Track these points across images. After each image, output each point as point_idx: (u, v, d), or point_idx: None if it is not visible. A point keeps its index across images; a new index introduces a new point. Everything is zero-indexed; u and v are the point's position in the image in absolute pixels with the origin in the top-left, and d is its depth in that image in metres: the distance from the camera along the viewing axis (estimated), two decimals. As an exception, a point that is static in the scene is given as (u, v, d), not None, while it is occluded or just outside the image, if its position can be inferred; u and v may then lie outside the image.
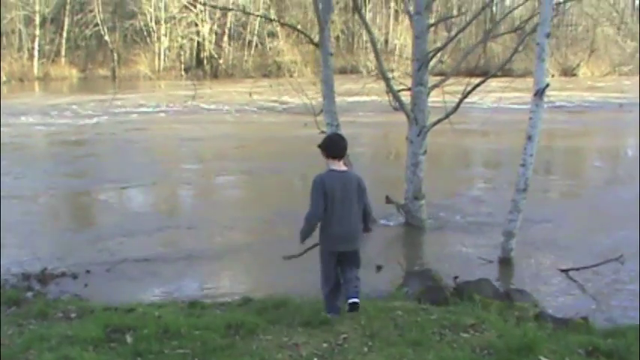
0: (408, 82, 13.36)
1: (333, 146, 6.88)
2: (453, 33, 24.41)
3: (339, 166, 6.80)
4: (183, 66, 57.58)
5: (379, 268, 10.31)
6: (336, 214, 6.62)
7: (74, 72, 56.53)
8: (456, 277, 9.05)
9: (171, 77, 55.11)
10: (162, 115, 32.13)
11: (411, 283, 9.10)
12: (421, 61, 12.57)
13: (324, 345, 6.10)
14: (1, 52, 51.01)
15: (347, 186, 6.70)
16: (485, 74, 13.98)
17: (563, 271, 10.21)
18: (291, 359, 5.74)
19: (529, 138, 10.59)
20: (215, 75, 57.00)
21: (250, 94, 18.51)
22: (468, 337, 6.30)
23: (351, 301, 6.63)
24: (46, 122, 29.40)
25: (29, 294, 8.91)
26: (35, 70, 54.51)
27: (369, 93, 15.43)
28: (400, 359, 5.62)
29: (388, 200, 12.97)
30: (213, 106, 33.53)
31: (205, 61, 59.16)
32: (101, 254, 11.08)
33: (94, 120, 30.03)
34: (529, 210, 11.07)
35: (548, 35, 10.47)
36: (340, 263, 6.90)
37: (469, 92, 12.65)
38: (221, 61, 58.29)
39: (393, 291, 8.92)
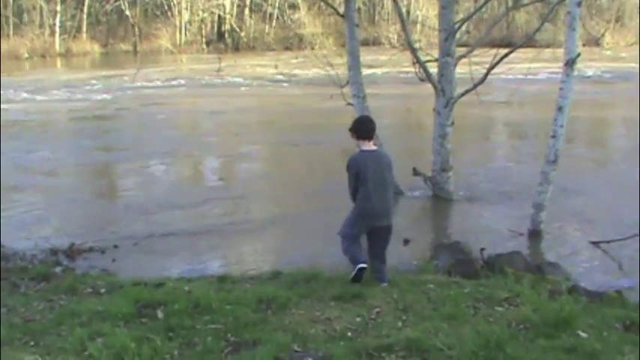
0: (433, 54, 13.19)
1: (363, 128, 7.27)
2: (479, 3, 24.03)
3: (370, 146, 7.22)
4: (204, 40, 57.43)
5: (407, 241, 10.19)
6: (370, 192, 7.01)
7: (96, 47, 56.50)
8: (482, 249, 8.91)
9: (193, 51, 55.01)
10: (185, 89, 32.02)
11: (440, 256, 9.02)
12: (448, 32, 12.38)
13: (358, 319, 6.03)
14: (23, 29, 51.06)
15: (379, 164, 7.14)
16: (510, 45, 13.75)
17: (593, 243, 10.06)
18: (325, 334, 5.65)
19: (559, 109, 10.42)
20: (237, 48, 56.81)
21: (276, 66, 18.32)
22: (502, 311, 6.20)
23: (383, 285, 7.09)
24: (69, 98, 29.40)
25: (58, 269, 8.89)
26: (57, 47, 54.51)
27: (394, 65, 15.24)
28: (436, 334, 5.52)
29: (415, 172, 12.85)
30: (236, 79, 33.42)
31: (227, 35, 58.97)
32: (129, 228, 11.07)
33: (117, 94, 30.00)
34: (558, 181, 10.89)
35: (579, 4, 10.29)
36: (371, 238, 7.33)
37: (497, 63, 12.44)
38: (242, 34, 58.06)
39: (422, 264, 8.81)
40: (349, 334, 5.67)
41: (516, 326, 5.72)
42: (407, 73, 15.35)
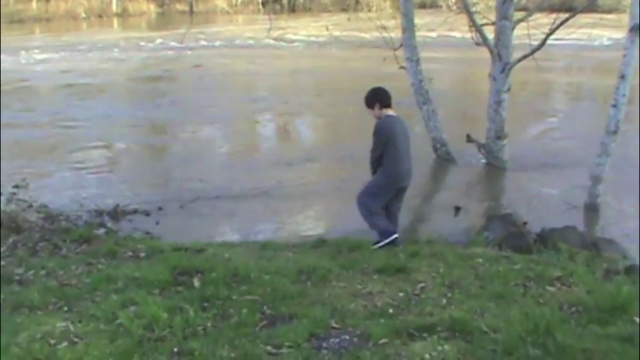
0: (490, 17, 12.73)
1: (386, 96, 7.66)
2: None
3: (392, 112, 7.65)
4: (260, 0, 57.04)
5: (457, 209, 9.90)
6: (400, 154, 7.50)
7: (152, 7, 56.54)
8: (525, 223, 8.62)
9: (249, 12, 54.73)
10: (240, 49, 31.82)
11: (491, 228, 8.69)
12: (506, -6, 11.89)
13: (400, 294, 5.78)
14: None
15: (404, 128, 7.68)
16: (570, 10, 13.17)
17: (655, 219, 9.59)
18: (365, 310, 5.40)
19: (622, 77, 9.90)
20: (293, 9, 56.31)
21: (327, 28, 17.97)
22: (554, 292, 5.87)
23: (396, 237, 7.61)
24: (124, 58, 29.42)
25: (101, 231, 8.82)
26: (114, 7, 54.71)
27: (451, 28, 14.78)
28: (482, 314, 5.23)
29: (469, 139, 12.46)
30: (291, 41, 33.09)
31: (283, -5, 58.50)
32: (175, 191, 10.92)
33: (172, 54, 29.98)
34: (618, 152, 10.40)
35: (646, -34, 9.71)
36: (391, 199, 7.82)
37: (557, 27, 11.89)
38: (298, -5, 57.53)
39: (472, 235, 8.50)
40: (390, 310, 5.42)
41: (568, 309, 5.38)
42: (462, 37, 14.84)
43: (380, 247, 7.39)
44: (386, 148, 7.43)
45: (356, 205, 7.77)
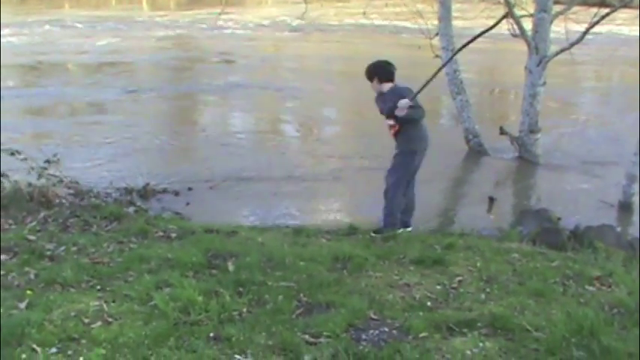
0: (530, 9, 12.53)
1: (393, 69, 7.54)
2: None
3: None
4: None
5: (492, 200, 9.79)
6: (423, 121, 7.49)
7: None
8: (559, 219, 8.56)
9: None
10: (269, 32, 31.67)
11: (525, 222, 8.60)
12: (546, -14, 11.70)
13: (438, 287, 5.68)
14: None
15: None
16: (605, 4, 12.92)
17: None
18: (403, 302, 5.31)
19: (662, 74, 9.73)
20: (323, -7, 55.96)
21: (364, 13, 17.77)
22: (594, 291, 5.76)
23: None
24: (151, 36, 29.36)
25: (131, 209, 8.75)
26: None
27: (487, 17, 14.57)
28: (522, 311, 5.13)
29: (502, 131, 12.31)
30: (321, 25, 32.84)
31: (313, -21, 58.15)
32: (206, 171, 10.84)
33: (199, 34, 29.89)
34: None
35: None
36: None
37: (597, 22, 11.69)
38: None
39: (506, 229, 8.39)
40: (429, 303, 5.33)
41: (610, 310, 5.26)
42: (498, 28, 14.60)
43: (377, 234, 7.43)
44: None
45: (386, 183, 7.64)
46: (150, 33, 30.02)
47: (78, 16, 34.88)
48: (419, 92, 7.19)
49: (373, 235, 7.44)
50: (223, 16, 28.85)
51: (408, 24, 14.29)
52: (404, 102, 7.05)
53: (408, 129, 7.37)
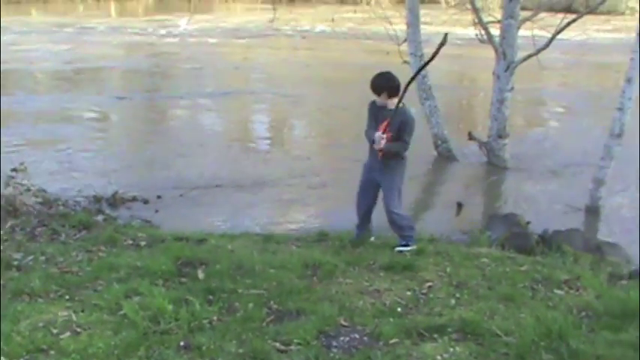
0: (497, 15, 12.65)
1: (399, 84, 6.87)
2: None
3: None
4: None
5: (460, 205, 9.89)
6: None
7: (150, -8, 56.25)
8: (528, 223, 8.61)
9: (247, 0, 54.40)
10: (237, 39, 31.59)
11: (494, 227, 8.65)
12: (513, -8, 11.81)
13: (408, 293, 5.72)
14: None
15: None
16: (568, 10, 13.09)
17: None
18: (374, 308, 5.33)
19: (628, 80, 9.84)
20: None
21: (332, 20, 17.85)
22: (562, 295, 5.84)
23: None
24: (120, 43, 29.16)
25: (99, 217, 8.70)
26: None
27: (453, 24, 14.66)
28: (491, 316, 5.17)
29: (470, 137, 12.41)
30: (290, 31, 32.81)
31: (282, -15, 58.19)
32: (174, 180, 10.76)
33: (169, 41, 29.73)
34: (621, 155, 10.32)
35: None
36: None
37: (563, 28, 11.83)
38: (298, -14, 57.23)
39: (475, 234, 8.43)
40: (399, 309, 5.36)
41: (578, 314, 5.34)
42: (466, 33, 14.72)
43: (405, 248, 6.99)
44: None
45: (390, 215, 7.01)
46: (117, 39, 29.82)
47: (42, 23, 34.58)
48: (397, 107, 6.71)
49: (399, 249, 7.00)
50: (192, 23, 28.80)
51: (376, 29, 14.30)
52: (377, 136, 6.72)
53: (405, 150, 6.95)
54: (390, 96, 6.82)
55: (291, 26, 33.44)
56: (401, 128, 6.74)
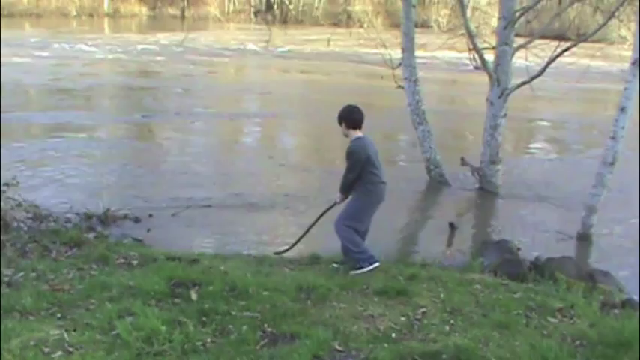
0: (492, 42, 12.70)
1: (360, 118, 7.31)
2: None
3: (361, 133, 7.31)
4: (252, 9, 56.97)
5: (453, 227, 10.02)
6: (380, 173, 7.27)
7: (143, 10, 56.43)
8: (518, 249, 8.68)
9: (240, 20, 54.62)
10: (230, 59, 31.67)
11: (486, 254, 8.63)
12: (508, 20, 11.87)
13: (402, 319, 5.69)
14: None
15: (374, 148, 7.37)
16: (563, 39, 13.14)
17: (647, 252, 9.53)
18: (368, 333, 5.30)
19: (622, 109, 9.88)
20: (284, 20, 56.19)
21: (328, 42, 17.91)
22: (556, 323, 5.81)
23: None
24: (113, 59, 29.18)
25: (91, 235, 8.64)
26: (105, 7, 54.53)
27: (447, 49, 14.73)
28: (486, 343, 5.15)
29: (463, 162, 12.43)
30: (284, 52, 32.90)
31: (275, 6, 58.36)
32: (167, 198, 10.71)
33: (162, 59, 29.77)
34: (613, 183, 10.36)
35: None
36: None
37: (557, 56, 11.86)
38: (291, 7, 57.52)
39: (468, 260, 8.43)
40: (393, 334, 5.33)
41: (572, 342, 5.32)
42: (460, 59, 14.80)
43: (358, 274, 6.99)
44: (365, 168, 7.11)
45: (338, 230, 7.26)
46: (110, 56, 29.84)
47: (35, 37, 34.58)
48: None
49: (352, 273, 7.07)
50: (186, 42, 28.85)
51: (371, 52, 14.34)
52: (338, 198, 7.52)
53: (364, 183, 7.23)
54: (349, 127, 7.26)
55: (285, 47, 33.55)
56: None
